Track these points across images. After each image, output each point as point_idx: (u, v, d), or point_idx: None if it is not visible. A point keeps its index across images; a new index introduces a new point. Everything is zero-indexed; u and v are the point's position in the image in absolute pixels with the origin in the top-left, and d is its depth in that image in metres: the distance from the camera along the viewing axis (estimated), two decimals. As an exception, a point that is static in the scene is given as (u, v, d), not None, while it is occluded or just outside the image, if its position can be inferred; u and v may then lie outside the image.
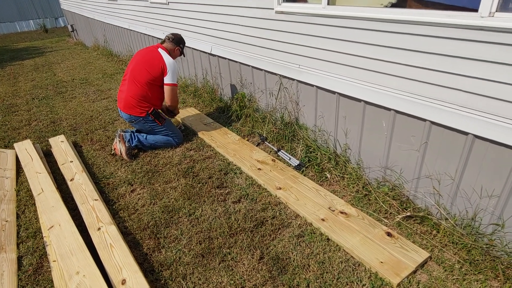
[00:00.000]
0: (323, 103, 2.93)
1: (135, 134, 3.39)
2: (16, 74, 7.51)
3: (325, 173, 2.85)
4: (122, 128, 3.62)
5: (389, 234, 2.11)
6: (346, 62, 2.56)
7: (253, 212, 2.46)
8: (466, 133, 1.94)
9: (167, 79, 3.29)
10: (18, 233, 2.41)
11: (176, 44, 3.44)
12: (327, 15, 2.57)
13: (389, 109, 2.34)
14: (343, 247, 2.08)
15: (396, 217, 2.28)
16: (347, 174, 2.75)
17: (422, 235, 2.17)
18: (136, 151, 3.41)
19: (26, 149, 3.40)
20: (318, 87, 2.91)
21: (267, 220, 2.36)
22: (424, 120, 2.13)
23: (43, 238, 2.31)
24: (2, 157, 3.33)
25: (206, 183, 2.84)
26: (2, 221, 2.47)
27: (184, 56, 3.72)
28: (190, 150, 3.44)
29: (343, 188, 2.68)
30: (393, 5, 2.22)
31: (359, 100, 2.55)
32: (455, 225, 2.11)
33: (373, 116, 2.49)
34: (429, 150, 2.19)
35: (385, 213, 2.36)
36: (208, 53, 4.43)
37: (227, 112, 4.17)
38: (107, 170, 3.17)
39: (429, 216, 2.23)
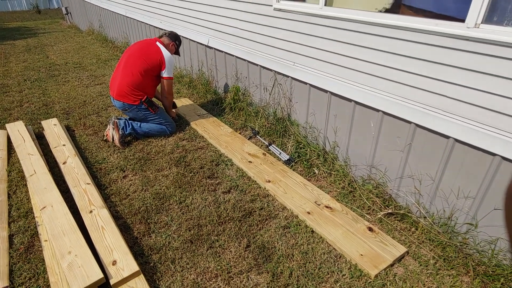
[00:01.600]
0: (315, 101, 3.02)
1: (129, 121, 3.42)
2: (7, 54, 7.38)
3: (314, 169, 2.94)
4: (116, 115, 3.64)
5: (370, 229, 2.22)
6: (339, 62, 2.65)
7: (242, 202, 2.54)
8: (447, 137, 2.05)
9: (164, 73, 3.42)
10: (9, 212, 2.44)
11: (172, 39, 3.60)
12: (324, 16, 2.65)
13: (377, 110, 2.44)
14: (326, 239, 2.18)
15: (378, 213, 2.39)
16: (334, 171, 2.85)
17: (402, 231, 2.29)
18: (129, 138, 3.44)
19: (18, 130, 3.40)
20: (311, 85, 2.99)
21: (255, 211, 2.45)
22: (410, 122, 2.23)
23: (34, 218, 2.35)
24: (-6, 137, 3.32)
25: (197, 172, 2.91)
26: (-7, 200, 2.50)
27: (179, 56, 3.85)
28: (183, 140, 3.49)
29: (330, 184, 2.78)
30: (387, 10, 2.31)
31: (349, 100, 2.65)
32: (432, 223, 2.23)
33: (362, 116, 2.59)
34: (412, 151, 2.30)
35: (368, 209, 2.47)
36: (205, 45, 4.46)
37: (221, 105, 4.23)
38: (100, 156, 3.20)
39: (409, 214, 2.35)
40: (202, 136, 3.55)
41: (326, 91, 2.84)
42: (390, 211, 2.37)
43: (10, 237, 2.22)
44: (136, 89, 3.31)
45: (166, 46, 3.51)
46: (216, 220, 2.35)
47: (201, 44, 4.58)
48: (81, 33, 9.72)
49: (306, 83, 3.04)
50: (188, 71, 5.24)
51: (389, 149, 2.45)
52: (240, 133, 3.62)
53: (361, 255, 2.04)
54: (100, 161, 3.10)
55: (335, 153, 2.96)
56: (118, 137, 3.27)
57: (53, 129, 3.51)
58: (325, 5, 2.66)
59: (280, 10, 3.06)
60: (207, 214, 2.42)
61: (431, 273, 1.99)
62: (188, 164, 3.04)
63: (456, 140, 2.01)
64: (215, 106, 4.28)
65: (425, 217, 2.27)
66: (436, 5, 2.11)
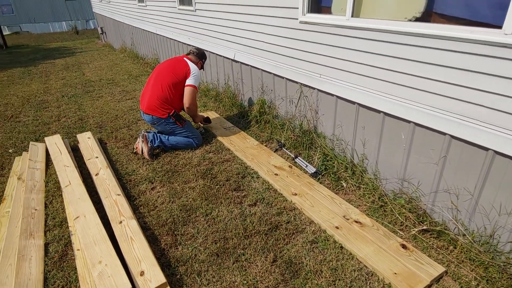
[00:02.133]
0: (342, 113, 2.96)
1: (158, 135, 3.52)
2: (48, 72, 7.90)
3: (341, 182, 2.87)
4: (145, 129, 3.76)
5: (404, 246, 2.11)
6: (367, 73, 2.60)
7: (268, 215, 2.51)
8: (486, 149, 1.93)
9: (189, 81, 3.48)
10: (45, 221, 2.55)
11: (199, 58, 3.77)
12: (351, 27, 2.62)
13: (408, 122, 2.35)
14: (356, 256, 2.09)
15: (412, 229, 2.27)
16: (363, 184, 2.76)
17: (438, 249, 2.15)
18: (157, 151, 3.53)
19: (55, 143, 3.58)
20: (338, 97, 2.95)
21: (281, 225, 2.41)
22: (444, 133, 2.13)
23: (68, 228, 2.44)
24: (33, 149, 3.52)
25: (223, 185, 2.92)
26: (31, 209, 2.62)
27: (203, 70, 4.06)
28: (209, 152, 3.53)
29: (359, 198, 2.69)
30: (417, 19, 2.25)
31: (378, 111, 2.57)
32: (473, 242, 2.08)
33: (392, 127, 2.50)
34: (448, 164, 2.18)
35: (401, 225, 2.35)
36: (231, 59, 4.54)
37: (247, 117, 4.26)
38: (130, 167, 3.30)
39: (446, 231, 2.21)
40: (228, 149, 3.57)
41: (353, 102, 2.79)
42: (425, 227, 2.25)
43: (46, 246, 2.31)
44: (164, 102, 3.42)
45: (193, 63, 3.66)
46: (242, 233, 2.33)
47: (227, 58, 4.67)
48: (114, 51, 10.25)
49: (332, 95, 3.00)
50: (214, 85, 5.35)
51: (422, 162, 2.34)
52: (266, 146, 3.61)
53: (395, 273, 1.94)
54: (130, 173, 3.20)
55: (364, 166, 2.88)
56: (147, 149, 3.37)
57: (87, 142, 3.67)
58: (352, 16, 2.63)
59: (306, 23, 3.07)
60: (233, 227, 2.41)
61: (472, 295, 1.85)
62: (214, 176, 3.06)
63: (496, 152, 1.89)
64: (241, 119, 4.32)
65: (464, 235, 2.13)
66: (469, 12, 2.03)
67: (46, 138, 3.74)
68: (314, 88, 3.22)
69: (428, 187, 2.36)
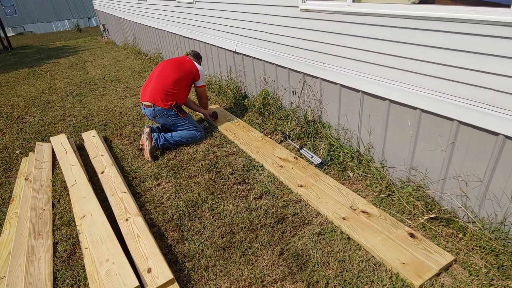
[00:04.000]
0: (347, 102, 2.91)
1: (162, 134, 3.51)
2: (52, 72, 7.94)
3: (348, 172, 2.83)
4: (149, 124, 3.75)
5: (412, 235, 2.08)
6: (371, 60, 2.53)
7: (274, 208, 2.49)
8: (496, 134, 1.87)
9: (200, 82, 3.81)
10: (53, 221, 2.57)
11: (197, 58, 3.99)
12: (352, 12, 2.55)
13: (414, 108, 2.29)
14: (364, 246, 2.07)
15: (420, 218, 2.23)
16: (370, 174, 2.72)
17: (447, 237, 2.11)
18: (159, 151, 3.46)
19: (61, 143, 3.61)
20: (342, 85, 2.89)
21: (287, 217, 2.39)
22: (452, 119, 2.07)
23: (76, 227, 2.46)
24: (40, 150, 3.55)
25: (228, 179, 2.90)
26: (39, 209, 2.65)
27: None
28: (214, 146, 3.51)
29: (366, 188, 2.65)
30: (421, 2, 2.17)
31: (383, 99, 2.51)
32: (483, 229, 2.04)
33: (398, 115, 2.44)
34: (456, 151, 2.13)
35: (409, 214, 2.31)
36: (233, 51, 4.49)
37: (251, 110, 4.22)
38: (135, 164, 3.30)
39: (455, 219, 2.17)
40: (233, 142, 3.55)
41: (358, 90, 2.73)
42: (433, 215, 2.21)
43: (54, 245, 2.33)
44: (168, 95, 3.45)
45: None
46: (249, 227, 2.32)
47: (229, 50, 4.61)
48: (117, 48, 10.24)
49: (336, 84, 2.94)
50: (217, 78, 5.31)
51: (430, 149, 2.29)
52: (270, 138, 3.57)
53: (403, 263, 1.91)
54: (135, 170, 3.20)
55: (370, 155, 2.83)
56: (149, 148, 3.32)
57: (92, 140, 3.69)
58: (353, 1, 2.56)
59: (306, 10, 3.00)
60: (239, 220, 2.40)
61: (483, 283, 1.81)
62: (219, 170, 3.05)
63: (507, 137, 1.83)
64: (244, 111, 4.28)
65: (474, 222, 2.08)
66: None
67: (51, 138, 3.76)
68: (317, 77, 3.16)
69: (436, 174, 2.31)
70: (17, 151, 3.82)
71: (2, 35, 13.00)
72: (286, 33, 3.38)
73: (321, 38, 2.96)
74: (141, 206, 2.67)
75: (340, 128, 3.10)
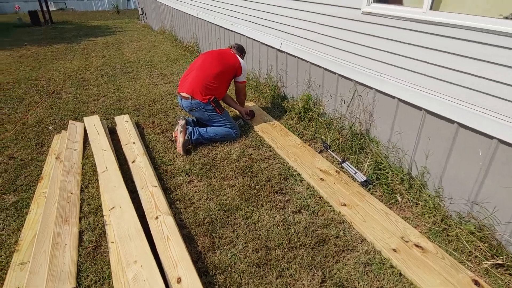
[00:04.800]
0: (404, 118, 2.64)
1: (196, 128, 3.35)
2: (88, 50, 7.98)
3: (396, 195, 2.57)
4: (183, 115, 3.59)
5: (476, 283, 1.82)
6: (444, 77, 2.26)
7: (314, 226, 2.28)
8: None
9: (241, 78, 3.63)
10: (81, 207, 2.46)
11: (241, 52, 3.78)
12: (428, 21, 2.28)
13: (491, 137, 2.01)
14: (419, 286, 1.83)
15: (483, 262, 1.96)
16: (421, 201, 2.46)
17: (515, 289, 1.84)
18: (191, 146, 3.29)
19: (94, 124, 3.52)
20: (400, 100, 2.63)
21: (329, 239, 2.17)
22: (541, 157, 1.79)
23: (103, 217, 2.33)
24: (72, 129, 3.48)
25: (264, 185, 2.71)
26: (68, 192, 2.55)
27: None
28: (249, 147, 3.33)
29: (416, 217, 2.39)
30: (519, 17, 1.89)
31: (451, 121, 2.24)
32: (560, 287, 1.76)
33: (467, 142, 2.17)
34: (539, 193, 1.84)
35: (469, 256, 2.05)
36: (277, 49, 4.28)
37: (289, 112, 4.00)
38: (166, 157, 3.16)
39: (525, 269, 1.89)
40: (269, 145, 3.35)
41: (420, 108, 2.46)
42: (499, 262, 1.93)
43: (80, 234, 2.21)
44: (207, 88, 3.28)
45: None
46: (286, 244, 2.12)
47: (272, 47, 4.40)
48: (153, 33, 10.22)
49: (394, 97, 2.68)
50: (255, 75, 5.11)
51: (504, 185, 2.01)
52: (309, 145, 3.35)
53: (466, 315, 1.66)
54: (166, 163, 3.06)
55: (424, 180, 2.56)
56: (183, 141, 3.17)
57: (124, 125, 3.58)
58: (431, 9, 2.29)
59: (370, 14, 2.74)
60: (276, 235, 2.20)
61: None
62: (255, 175, 2.86)
63: None
64: (282, 114, 4.07)
65: (550, 277, 1.80)
66: None
67: (85, 118, 3.69)
68: (371, 88, 2.90)
69: (507, 215, 2.03)
70: (50, 127, 3.77)
71: (45, 8, 13.29)
72: (341, 36, 3.14)
73: (383, 46, 2.70)
74: (171, 203, 2.51)
75: (391, 146, 2.84)
